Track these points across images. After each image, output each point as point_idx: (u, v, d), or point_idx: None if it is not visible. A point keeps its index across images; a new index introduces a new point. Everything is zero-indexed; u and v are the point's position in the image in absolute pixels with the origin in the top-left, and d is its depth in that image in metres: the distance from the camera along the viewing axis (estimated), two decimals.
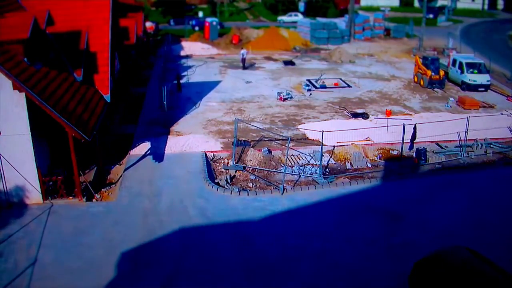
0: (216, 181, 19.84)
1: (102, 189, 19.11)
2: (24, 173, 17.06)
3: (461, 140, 22.71)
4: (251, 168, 20.88)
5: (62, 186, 17.76)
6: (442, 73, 34.30)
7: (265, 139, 24.13)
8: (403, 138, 21.03)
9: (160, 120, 26.72)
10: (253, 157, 21.34)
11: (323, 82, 35.07)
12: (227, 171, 20.91)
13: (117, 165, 21.47)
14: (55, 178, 17.75)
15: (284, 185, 19.10)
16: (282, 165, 21.00)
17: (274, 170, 20.85)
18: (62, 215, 16.92)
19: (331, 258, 14.78)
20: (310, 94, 32.55)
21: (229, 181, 19.91)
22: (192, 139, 24.09)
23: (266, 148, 22.49)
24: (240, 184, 19.81)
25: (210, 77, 37.54)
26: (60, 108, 16.79)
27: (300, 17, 69.15)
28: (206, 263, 14.49)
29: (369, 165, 21.65)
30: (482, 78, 33.23)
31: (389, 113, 27.93)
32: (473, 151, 22.81)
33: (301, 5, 76.70)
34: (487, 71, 34.25)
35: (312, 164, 21.48)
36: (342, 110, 29.02)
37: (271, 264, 14.49)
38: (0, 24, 17.68)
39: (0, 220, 16.40)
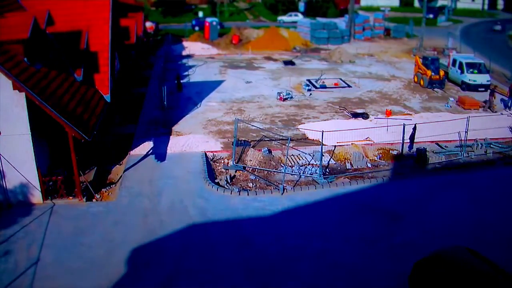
0: (216, 181, 19.85)
1: (102, 189, 19.12)
2: (24, 173, 17.07)
3: (461, 140, 22.71)
4: (251, 168, 20.88)
5: (62, 186, 17.76)
6: (442, 73, 34.30)
7: (265, 139, 24.13)
8: (403, 138, 21.03)
9: (160, 120, 26.73)
10: (253, 157, 21.34)
11: (323, 82, 35.07)
12: (227, 171, 20.91)
13: (117, 165, 21.47)
14: (55, 178, 17.76)
15: (284, 185, 19.10)
16: (282, 165, 21.00)
17: (274, 170, 20.85)
18: (62, 215, 16.92)
19: (331, 258, 14.79)
20: (310, 94, 32.55)
21: (229, 181, 19.91)
22: (192, 139, 24.09)
23: (266, 148, 22.49)
24: (240, 184, 19.81)
25: (210, 77, 37.55)
26: (60, 108, 16.79)
27: (300, 17, 69.15)
28: (206, 263, 14.49)
29: (369, 165, 21.65)
30: (482, 78, 33.23)
31: (389, 113, 27.93)
32: (473, 151, 22.81)
33: (301, 5, 76.68)
34: (487, 71, 34.25)
35: (312, 164, 21.49)
36: (342, 110, 29.02)
37: (271, 264, 14.49)
38: (0, 24, 17.68)
39: (0, 220, 16.41)
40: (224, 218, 17.00)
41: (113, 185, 19.54)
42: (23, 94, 16.07)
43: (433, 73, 33.86)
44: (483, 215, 17.23)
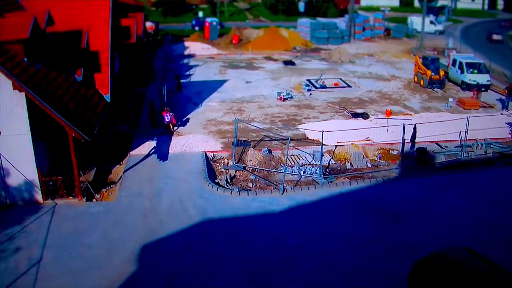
0: (216, 181, 19.85)
1: (102, 189, 19.11)
2: (24, 173, 17.07)
3: (461, 140, 22.71)
4: (251, 168, 20.88)
5: (62, 186, 17.76)
6: (442, 73, 34.29)
7: (266, 139, 24.13)
8: (403, 138, 21.02)
9: (160, 120, 26.69)
10: (253, 157, 21.34)
11: (323, 82, 35.07)
12: (227, 171, 20.91)
13: (117, 165, 21.47)
14: (55, 178, 17.75)
15: (284, 185, 19.10)
16: (282, 165, 21.00)
17: (274, 170, 20.85)
18: (62, 215, 16.92)
19: (331, 258, 14.79)
20: (310, 94, 32.55)
21: (229, 181, 19.91)
22: (192, 139, 24.09)
23: (266, 148, 22.49)
24: (240, 184, 19.81)
25: (210, 77, 37.55)
26: (60, 108, 16.79)
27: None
28: (206, 263, 14.49)
29: (369, 165, 21.65)
30: (482, 78, 33.22)
31: (389, 113, 27.93)
32: (473, 151, 22.81)
33: (301, 5, 76.65)
34: (487, 71, 34.25)
35: (312, 164, 21.49)
36: (342, 110, 29.02)
37: (271, 264, 14.50)
38: (0, 24, 17.68)
39: (0, 220, 16.41)
40: (224, 218, 17.00)
41: (113, 185, 19.53)
42: (23, 94, 16.08)
43: (433, 73, 33.86)
44: (483, 215, 17.23)
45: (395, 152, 22.66)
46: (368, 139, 23.58)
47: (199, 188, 19.01)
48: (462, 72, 33.88)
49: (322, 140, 20.41)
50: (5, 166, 16.89)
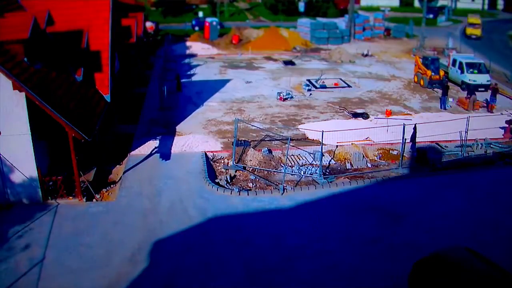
0: (216, 181, 19.85)
1: (102, 189, 19.11)
2: (24, 173, 17.07)
3: (461, 140, 22.72)
4: (251, 168, 20.88)
5: (62, 186, 17.76)
6: (442, 73, 34.30)
7: (266, 140, 24.13)
8: (403, 138, 21.03)
9: (160, 120, 26.73)
10: (253, 157, 21.34)
11: (323, 82, 35.06)
12: (227, 171, 20.91)
13: (118, 165, 21.47)
14: (55, 178, 17.75)
15: (284, 185, 19.10)
16: (282, 165, 21.00)
17: (274, 170, 20.85)
18: (62, 215, 16.92)
19: (331, 258, 14.79)
20: (310, 94, 32.55)
21: (229, 181, 19.91)
22: (192, 139, 24.09)
23: (266, 148, 22.49)
24: (240, 184, 19.81)
25: (210, 77, 37.55)
26: (60, 108, 16.79)
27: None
28: (205, 263, 14.49)
29: (369, 165, 21.65)
30: (482, 78, 33.21)
31: (389, 113, 27.94)
32: (473, 151, 22.81)
33: (301, 5, 76.64)
34: (487, 71, 34.24)
35: (312, 164, 21.49)
36: (342, 110, 29.02)
37: (271, 264, 14.50)
38: (0, 24, 17.68)
39: (0, 220, 16.41)
40: (224, 218, 17.00)
41: (113, 185, 19.53)
42: (23, 94, 16.07)
43: (433, 73, 33.86)
44: (483, 215, 17.24)
45: (395, 152, 22.66)
46: (368, 139, 23.59)
47: (199, 188, 19.01)
48: (462, 72, 33.88)
49: (322, 140, 20.40)
50: (5, 166, 16.89)
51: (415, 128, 22.17)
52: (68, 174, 18.24)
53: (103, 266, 14.24)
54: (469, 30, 57.30)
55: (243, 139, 23.64)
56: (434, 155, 22.38)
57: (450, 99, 31.04)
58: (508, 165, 21.68)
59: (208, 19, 57.54)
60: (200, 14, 72.73)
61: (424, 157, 21.73)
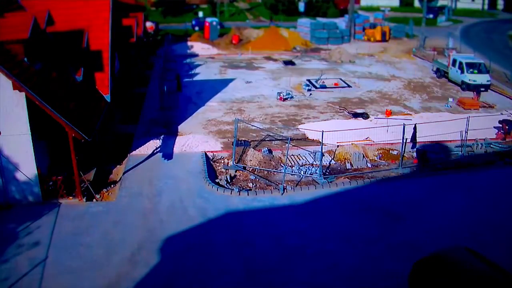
0: (216, 181, 19.85)
1: (103, 189, 19.11)
2: (24, 173, 17.06)
3: (461, 140, 22.71)
4: (251, 168, 20.87)
5: (62, 186, 17.76)
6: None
7: (266, 140, 24.12)
8: (403, 138, 21.03)
9: (160, 120, 26.73)
10: (253, 157, 21.34)
11: (323, 82, 35.07)
12: (227, 171, 20.92)
13: (118, 166, 21.46)
14: (55, 178, 17.75)
15: (284, 185, 19.10)
16: (282, 165, 21.00)
17: (274, 170, 20.85)
18: (62, 215, 16.92)
19: (331, 258, 14.79)
20: (310, 94, 32.55)
21: (229, 181, 19.91)
22: (192, 139, 24.09)
23: (266, 148, 22.49)
24: (240, 184, 19.81)
25: (210, 77, 37.56)
26: (60, 108, 16.79)
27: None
28: (206, 263, 14.49)
29: (369, 165, 21.65)
30: (482, 78, 33.20)
31: (389, 113, 27.94)
32: (473, 151, 22.81)
33: (301, 5, 76.65)
34: (487, 71, 34.22)
35: (312, 164, 21.49)
36: (342, 110, 29.02)
37: (271, 264, 14.50)
38: (0, 24, 17.68)
39: (0, 220, 16.40)
40: (224, 218, 17.00)
41: (113, 185, 19.53)
42: (23, 94, 16.07)
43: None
44: (483, 215, 17.24)
45: (395, 152, 22.66)
46: (368, 139, 23.59)
47: (199, 188, 19.01)
48: (462, 72, 33.86)
49: (322, 140, 20.40)
50: (5, 166, 16.89)
51: (415, 128, 22.17)
52: (68, 174, 18.25)
53: (103, 266, 14.24)
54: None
55: (243, 139, 23.64)
56: (434, 155, 22.39)
57: (450, 99, 31.04)
58: (508, 165, 21.67)
59: (208, 19, 57.56)
60: (200, 14, 72.74)
61: (424, 157, 21.72)
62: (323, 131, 20.42)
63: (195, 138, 24.18)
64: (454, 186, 19.55)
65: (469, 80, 33.19)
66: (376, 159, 22.23)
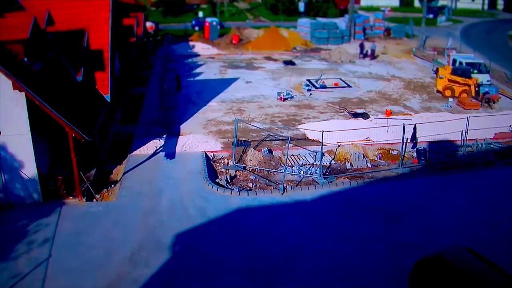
0: (216, 181, 19.85)
1: (103, 189, 19.10)
2: (24, 173, 17.06)
3: (462, 140, 22.70)
4: (251, 168, 20.87)
5: (62, 186, 17.76)
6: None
7: (266, 140, 24.12)
8: (403, 138, 21.03)
9: (160, 120, 26.73)
10: (253, 157, 21.34)
11: (323, 82, 35.06)
12: (227, 171, 20.92)
13: (118, 166, 21.46)
14: (55, 178, 17.74)
15: (284, 185, 19.10)
16: (282, 165, 21.00)
17: (274, 170, 20.85)
18: (63, 215, 16.91)
19: (331, 258, 14.79)
20: (310, 94, 32.55)
21: (229, 181, 19.91)
22: (192, 139, 24.08)
23: (266, 148, 22.49)
24: (240, 184, 19.82)
25: (210, 77, 37.55)
26: (60, 108, 16.79)
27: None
28: (206, 263, 14.49)
29: (369, 165, 21.65)
30: (482, 78, 33.17)
31: (389, 113, 27.94)
32: (473, 151, 22.80)
33: (301, 5, 76.65)
34: (487, 71, 34.22)
35: (312, 164, 21.49)
36: (342, 110, 29.02)
37: (271, 263, 14.50)
38: (0, 24, 17.68)
39: (0, 220, 16.40)
40: (224, 218, 17.00)
41: (113, 185, 19.53)
42: (23, 94, 16.07)
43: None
44: (483, 215, 17.24)
45: (395, 152, 22.66)
46: (368, 139, 23.58)
47: (199, 188, 19.01)
48: None
49: (322, 140, 20.40)
50: (5, 166, 16.89)
51: (415, 128, 22.16)
52: (68, 174, 18.25)
53: (103, 266, 14.23)
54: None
55: (243, 139, 23.64)
56: (434, 155, 22.39)
57: (450, 99, 31.02)
58: (508, 165, 21.67)
59: (208, 19, 57.57)
60: (200, 14, 72.76)
61: (424, 157, 21.72)
62: (323, 131, 20.42)
63: (195, 138, 24.18)
64: (454, 186, 19.55)
65: None
66: (376, 159, 22.23)
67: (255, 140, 23.94)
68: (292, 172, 20.69)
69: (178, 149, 22.85)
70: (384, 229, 16.39)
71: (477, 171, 20.97)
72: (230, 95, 32.16)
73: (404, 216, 17.20)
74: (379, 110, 29.17)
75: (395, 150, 22.69)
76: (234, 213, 17.35)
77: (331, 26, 54.64)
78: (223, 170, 21.09)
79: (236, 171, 20.76)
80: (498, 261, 12.23)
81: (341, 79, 36.62)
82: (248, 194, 18.63)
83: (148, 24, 56.19)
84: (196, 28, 62.43)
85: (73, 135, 16.70)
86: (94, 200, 18.29)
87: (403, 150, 21.25)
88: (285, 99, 30.92)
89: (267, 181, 20.02)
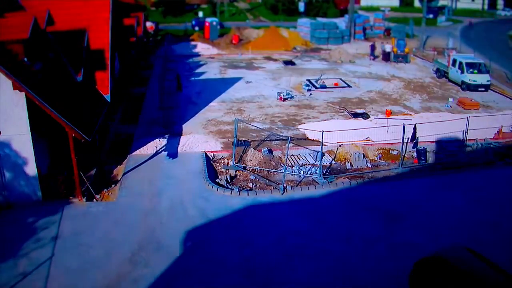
0: (216, 181, 19.85)
1: (103, 189, 19.10)
2: (24, 173, 17.06)
3: (462, 140, 22.70)
4: (251, 168, 20.87)
5: (62, 186, 17.76)
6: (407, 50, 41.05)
7: (266, 140, 24.12)
8: (403, 138, 21.03)
9: (160, 120, 26.73)
10: (253, 157, 21.34)
11: (323, 82, 35.07)
12: (227, 171, 20.92)
13: (118, 166, 21.46)
14: (55, 178, 17.74)
15: (284, 185, 19.10)
16: (282, 165, 21.00)
17: (274, 170, 20.86)
18: (63, 215, 16.91)
19: (331, 258, 14.78)
20: (310, 94, 32.55)
21: (229, 181, 19.92)
22: (192, 139, 24.08)
23: (266, 148, 22.49)
24: (240, 184, 19.82)
25: (210, 77, 37.55)
26: (60, 108, 16.79)
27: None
28: (206, 263, 14.49)
29: (369, 165, 21.65)
30: (482, 78, 33.21)
31: (389, 113, 27.94)
32: (473, 151, 22.79)
33: (301, 5, 76.67)
34: (487, 71, 34.23)
35: (312, 164, 21.49)
36: (342, 110, 29.02)
37: (271, 264, 14.49)
38: (0, 24, 17.68)
39: (0, 220, 16.40)
40: (224, 218, 17.00)
41: (114, 185, 19.52)
42: (23, 94, 16.08)
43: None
44: (483, 215, 17.23)
45: (395, 152, 22.66)
46: (368, 139, 23.58)
47: (199, 188, 19.01)
48: (462, 72, 33.86)
49: (322, 140, 20.40)
50: (5, 166, 16.89)
51: (415, 128, 22.17)
52: (68, 174, 18.25)
53: (103, 266, 14.23)
54: None
55: (243, 139, 23.64)
56: (434, 155, 22.39)
57: (450, 99, 31.04)
58: (508, 165, 21.67)
59: (208, 19, 57.62)
60: (200, 14, 72.80)
61: (425, 157, 21.72)
62: (323, 131, 20.42)
63: (195, 138, 24.17)
64: (454, 186, 19.55)
65: (469, 80, 33.21)
66: (376, 159, 22.22)
67: (255, 140, 23.94)
68: (292, 172, 20.69)
69: (178, 149, 22.84)
70: (384, 229, 16.38)
71: (477, 171, 20.97)
72: (230, 95, 32.16)
73: (404, 216, 17.20)
74: (379, 110, 29.17)
75: (395, 150, 22.69)
76: (234, 213, 17.35)
77: (331, 26, 54.67)
78: (223, 170, 21.10)
79: (236, 171, 20.77)
80: (498, 261, 12.22)
81: (341, 79, 36.63)
82: (248, 194, 18.63)
83: (148, 24, 56.22)
84: (196, 28, 62.46)
85: (73, 135, 16.70)
86: (94, 200, 18.29)
87: (403, 150, 21.25)
88: (285, 99, 30.92)
89: (267, 181, 20.02)
